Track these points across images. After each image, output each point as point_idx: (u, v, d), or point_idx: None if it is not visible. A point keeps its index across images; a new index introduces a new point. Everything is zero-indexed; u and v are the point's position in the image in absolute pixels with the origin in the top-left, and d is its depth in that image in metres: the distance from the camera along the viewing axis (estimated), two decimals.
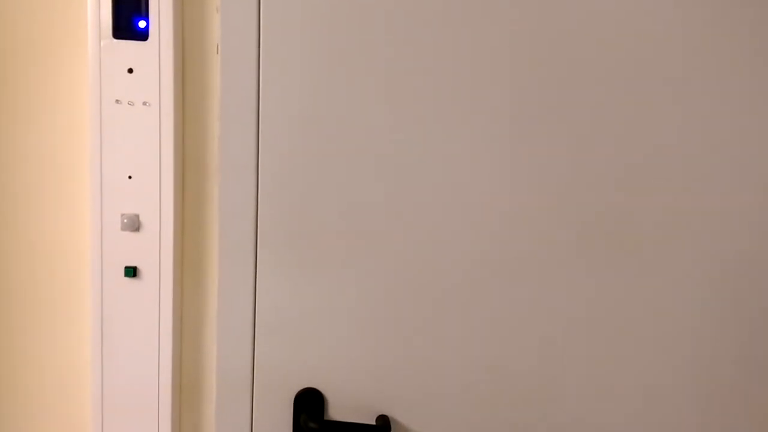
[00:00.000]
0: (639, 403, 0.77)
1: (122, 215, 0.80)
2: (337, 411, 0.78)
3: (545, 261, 0.75)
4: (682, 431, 0.77)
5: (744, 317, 0.75)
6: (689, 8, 0.71)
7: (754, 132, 0.72)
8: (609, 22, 0.71)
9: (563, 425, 0.78)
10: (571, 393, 0.77)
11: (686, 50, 0.71)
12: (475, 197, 0.74)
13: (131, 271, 0.81)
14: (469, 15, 0.72)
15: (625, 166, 0.73)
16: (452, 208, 0.74)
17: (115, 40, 0.77)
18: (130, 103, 0.78)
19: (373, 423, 0.78)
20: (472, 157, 0.74)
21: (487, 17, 0.71)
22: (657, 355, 0.76)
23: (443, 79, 0.73)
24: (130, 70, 0.78)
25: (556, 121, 0.73)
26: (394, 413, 0.78)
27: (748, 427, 0.77)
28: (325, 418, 0.78)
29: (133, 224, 0.80)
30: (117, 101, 0.78)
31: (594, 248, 0.75)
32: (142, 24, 0.77)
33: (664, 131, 0.72)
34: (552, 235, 0.74)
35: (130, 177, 0.80)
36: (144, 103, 0.78)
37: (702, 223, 0.74)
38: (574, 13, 0.71)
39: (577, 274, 0.75)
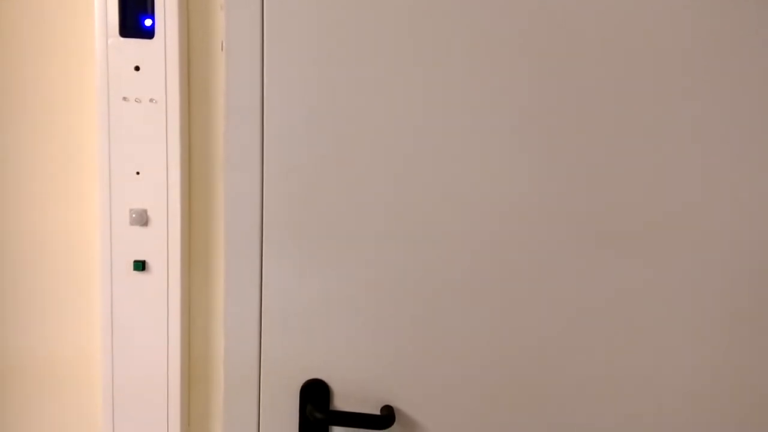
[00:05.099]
0: (641, 398, 0.77)
1: (130, 210, 0.81)
2: (343, 401, 0.79)
3: (548, 255, 0.75)
4: (686, 428, 0.78)
5: (749, 316, 0.75)
6: (694, 6, 0.71)
7: (759, 129, 0.72)
8: (613, 21, 0.71)
9: (565, 418, 0.78)
10: (572, 386, 0.78)
11: (690, 47, 0.71)
12: (479, 191, 0.75)
13: (140, 265, 0.82)
14: (475, 10, 0.72)
15: (629, 163, 0.73)
16: (456, 201, 0.75)
17: (122, 39, 0.79)
18: (137, 100, 0.80)
19: (378, 413, 0.79)
20: (476, 150, 0.74)
21: (493, 13, 0.72)
22: (660, 352, 0.76)
23: (446, 76, 0.73)
24: (137, 68, 0.79)
25: (561, 117, 0.73)
26: (399, 403, 0.79)
27: (753, 424, 0.77)
28: (331, 408, 0.79)
29: (142, 219, 0.81)
30: (124, 98, 0.80)
31: (597, 245, 0.75)
32: (148, 22, 0.78)
33: (671, 128, 0.73)
34: (555, 231, 0.75)
35: (137, 173, 0.81)
36: (151, 100, 0.80)
37: (708, 220, 0.74)
38: (579, 10, 0.71)
39: (578, 269, 0.75)
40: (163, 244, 0.82)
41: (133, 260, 0.82)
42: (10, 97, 0.84)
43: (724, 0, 0.70)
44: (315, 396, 0.79)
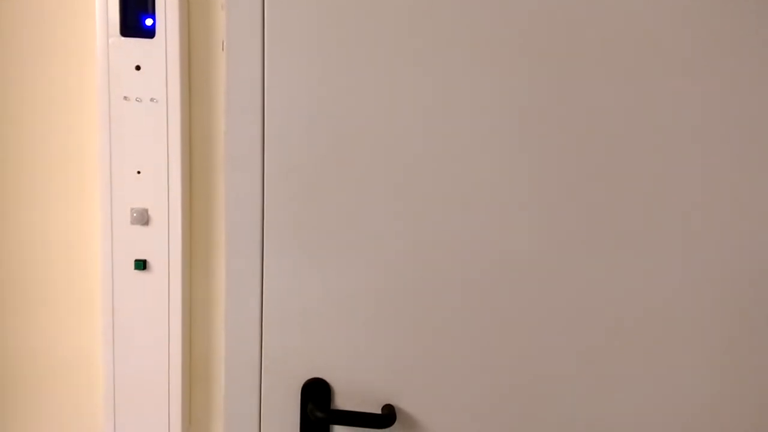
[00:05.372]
0: (642, 398, 0.78)
1: (132, 209, 0.81)
2: (344, 400, 0.79)
3: (549, 255, 0.76)
4: (685, 427, 0.78)
5: (748, 315, 0.75)
6: (694, 6, 0.71)
7: (759, 129, 0.72)
8: (613, 21, 0.72)
9: (566, 417, 0.78)
10: (573, 385, 0.78)
11: (691, 47, 0.71)
12: (479, 191, 0.75)
13: (141, 264, 0.82)
14: (475, 11, 0.72)
15: (630, 163, 0.74)
16: (457, 201, 0.75)
17: (123, 38, 0.79)
18: (138, 100, 0.80)
19: (379, 412, 0.79)
20: (476, 150, 0.74)
21: (493, 13, 0.72)
22: (661, 352, 0.77)
23: (446, 77, 0.73)
24: (138, 68, 0.79)
25: (561, 117, 0.73)
26: (400, 402, 0.79)
27: (753, 424, 0.78)
28: (332, 407, 0.80)
29: (143, 218, 0.81)
30: (125, 98, 0.80)
31: (597, 245, 0.75)
32: (149, 22, 0.78)
33: (671, 128, 0.73)
34: (556, 231, 0.75)
35: (138, 172, 0.81)
36: (151, 100, 0.80)
37: (709, 221, 0.74)
38: (579, 10, 0.71)
39: (579, 269, 0.76)
40: (164, 243, 0.82)
41: (134, 259, 0.82)
42: (10, 97, 0.84)
43: (724, 0, 0.70)
44: (316, 395, 0.79)
